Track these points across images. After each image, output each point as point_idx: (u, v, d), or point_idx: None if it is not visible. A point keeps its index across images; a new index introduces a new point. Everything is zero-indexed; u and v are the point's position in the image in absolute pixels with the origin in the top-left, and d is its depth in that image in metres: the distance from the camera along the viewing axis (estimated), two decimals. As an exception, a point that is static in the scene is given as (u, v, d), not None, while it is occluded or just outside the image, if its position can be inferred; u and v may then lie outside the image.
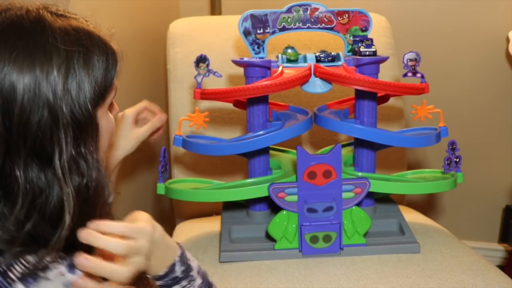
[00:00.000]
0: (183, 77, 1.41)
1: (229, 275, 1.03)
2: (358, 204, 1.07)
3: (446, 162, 1.13)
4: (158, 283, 0.76)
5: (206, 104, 1.34)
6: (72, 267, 0.66)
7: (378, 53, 1.12)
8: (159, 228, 0.74)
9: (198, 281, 0.79)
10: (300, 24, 1.16)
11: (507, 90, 1.71)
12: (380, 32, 1.46)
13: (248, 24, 1.15)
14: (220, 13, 1.72)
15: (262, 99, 1.12)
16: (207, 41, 1.44)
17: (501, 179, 1.78)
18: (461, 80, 1.73)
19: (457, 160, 1.13)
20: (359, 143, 1.14)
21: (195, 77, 1.11)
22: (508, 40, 1.65)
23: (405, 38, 1.66)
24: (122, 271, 0.66)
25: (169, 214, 1.64)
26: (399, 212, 1.19)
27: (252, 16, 1.14)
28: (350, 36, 1.17)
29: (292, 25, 1.16)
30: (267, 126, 1.13)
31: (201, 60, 1.10)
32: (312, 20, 1.16)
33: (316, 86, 1.08)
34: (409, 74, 1.10)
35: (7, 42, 0.66)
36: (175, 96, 1.42)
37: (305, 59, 1.12)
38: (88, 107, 0.68)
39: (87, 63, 0.69)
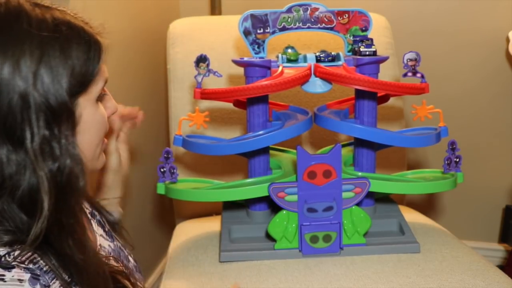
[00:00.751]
0: (183, 77, 1.41)
1: (229, 275, 1.03)
2: (358, 204, 1.07)
3: (446, 162, 1.13)
4: None
5: (206, 104, 1.34)
6: (35, 279, 0.64)
7: (378, 53, 1.12)
8: None
9: None
10: (300, 24, 1.16)
11: (507, 90, 1.71)
12: (380, 32, 1.46)
13: (248, 24, 1.15)
14: (220, 13, 1.72)
15: (262, 99, 1.12)
16: (207, 41, 1.44)
17: (501, 179, 1.78)
18: (461, 80, 1.73)
19: (457, 160, 1.13)
20: (359, 143, 1.14)
21: (195, 77, 1.11)
22: (508, 40, 1.65)
23: (405, 38, 1.66)
24: None
25: (169, 214, 1.63)
26: (399, 212, 1.19)
27: (252, 16, 1.14)
28: (350, 36, 1.17)
29: (292, 25, 1.16)
30: (267, 126, 1.13)
31: (201, 60, 1.10)
32: (312, 20, 1.16)
33: (316, 86, 1.08)
34: (409, 74, 1.10)
35: None
36: (175, 96, 1.42)
37: (305, 59, 1.12)
38: (63, 93, 0.68)
39: (64, 51, 0.69)
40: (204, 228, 1.26)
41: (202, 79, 1.10)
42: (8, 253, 0.64)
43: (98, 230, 0.88)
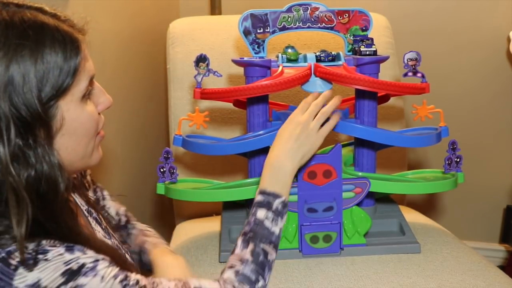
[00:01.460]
0: (183, 77, 1.41)
1: (229, 275, 1.02)
2: (358, 204, 1.07)
3: (447, 162, 1.12)
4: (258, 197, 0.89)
5: (206, 104, 1.34)
6: (70, 249, 0.69)
7: (378, 53, 1.12)
8: None
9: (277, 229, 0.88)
10: (300, 24, 1.15)
11: (507, 90, 1.71)
12: (380, 31, 1.45)
13: (248, 23, 1.14)
14: (220, 13, 1.72)
15: (262, 99, 1.12)
16: (207, 40, 1.44)
17: (502, 179, 1.78)
18: (462, 80, 1.72)
19: (458, 160, 1.13)
20: (359, 143, 1.14)
21: (195, 76, 1.11)
22: (509, 40, 1.64)
23: (405, 37, 1.65)
24: None
25: (169, 214, 1.63)
26: (400, 212, 1.18)
27: (252, 15, 1.14)
28: (350, 35, 1.17)
29: (292, 24, 1.15)
30: (267, 126, 1.13)
31: (201, 59, 1.10)
32: (312, 19, 1.15)
33: (316, 85, 1.08)
34: (410, 73, 1.09)
35: None
36: (175, 96, 1.42)
37: (305, 58, 1.12)
38: (34, 103, 0.67)
39: (34, 57, 0.67)
40: (204, 228, 1.26)
41: (202, 79, 1.10)
42: (38, 243, 0.67)
43: (96, 227, 0.88)
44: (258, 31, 1.15)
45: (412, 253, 1.08)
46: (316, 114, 0.96)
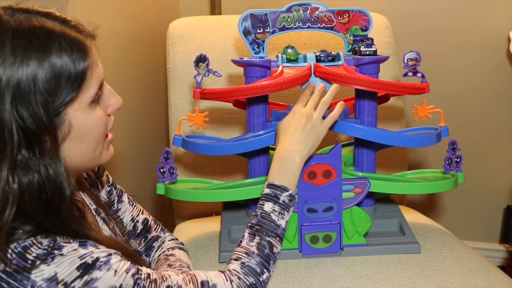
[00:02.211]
0: (183, 77, 1.41)
1: (229, 276, 1.02)
2: (358, 204, 1.07)
3: (447, 162, 1.12)
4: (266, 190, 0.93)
5: (206, 104, 1.34)
6: (83, 244, 0.71)
7: (378, 53, 1.12)
8: None
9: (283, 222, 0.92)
10: (300, 24, 1.15)
11: (508, 90, 1.70)
12: (380, 31, 1.45)
13: (248, 23, 1.14)
14: (220, 13, 1.72)
15: (262, 99, 1.11)
16: (207, 40, 1.44)
17: (502, 179, 1.78)
18: (462, 80, 1.72)
19: (458, 160, 1.13)
20: (359, 143, 1.14)
21: (194, 76, 1.10)
22: (509, 40, 1.64)
23: (405, 37, 1.65)
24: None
25: (168, 214, 1.63)
26: (400, 212, 1.18)
27: (252, 15, 1.14)
28: (350, 35, 1.17)
29: (292, 24, 1.15)
30: (267, 126, 1.12)
31: (201, 59, 1.09)
32: (312, 19, 1.15)
33: (316, 85, 1.08)
34: (410, 73, 1.09)
35: None
36: (175, 96, 1.42)
37: (305, 58, 1.12)
38: (41, 115, 0.67)
39: (40, 65, 0.67)
40: (204, 229, 1.26)
41: (201, 79, 1.10)
42: (52, 239, 0.69)
43: (103, 227, 0.89)
44: (258, 31, 1.15)
45: (412, 253, 1.08)
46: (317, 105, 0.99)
